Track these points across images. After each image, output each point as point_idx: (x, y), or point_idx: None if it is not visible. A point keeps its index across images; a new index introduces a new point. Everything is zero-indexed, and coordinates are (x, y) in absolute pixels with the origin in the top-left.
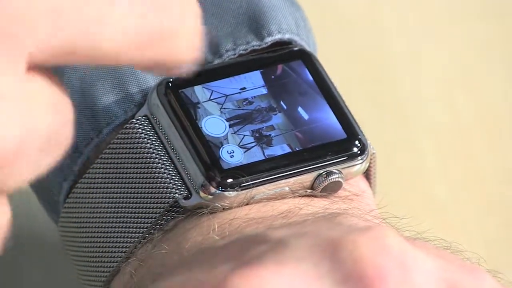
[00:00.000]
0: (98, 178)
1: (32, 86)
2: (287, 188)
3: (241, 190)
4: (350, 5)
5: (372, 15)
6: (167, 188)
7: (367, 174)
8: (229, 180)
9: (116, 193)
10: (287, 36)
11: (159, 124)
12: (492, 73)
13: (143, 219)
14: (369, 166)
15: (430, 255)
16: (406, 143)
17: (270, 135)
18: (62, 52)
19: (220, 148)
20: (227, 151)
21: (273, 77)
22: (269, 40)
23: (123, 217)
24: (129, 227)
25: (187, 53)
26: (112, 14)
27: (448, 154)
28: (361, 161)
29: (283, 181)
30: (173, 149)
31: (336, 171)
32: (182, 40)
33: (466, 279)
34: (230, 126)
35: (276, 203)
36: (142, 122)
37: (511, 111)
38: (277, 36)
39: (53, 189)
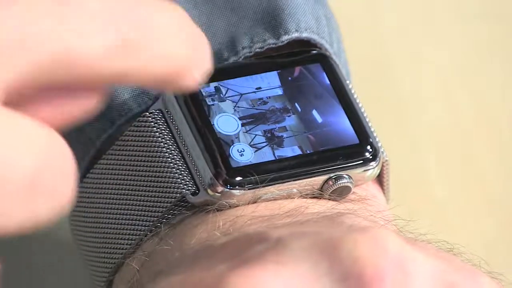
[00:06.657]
0: (108, 168)
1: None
2: (295, 190)
3: (249, 189)
4: (350, 5)
5: (372, 15)
6: (175, 183)
7: (379, 180)
8: (237, 179)
9: (126, 184)
10: (304, 35)
11: (172, 119)
12: (492, 73)
13: (150, 212)
14: (381, 172)
15: (430, 256)
16: (406, 143)
17: (282, 136)
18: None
19: (230, 146)
20: (238, 150)
21: (290, 78)
22: (285, 38)
23: (131, 209)
24: (136, 219)
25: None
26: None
27: (448, 154)
28: (372, 166)
29: (291, 182)
30: (184, 144)
31: (346, 176)
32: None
33: (464, 282)
34: (243, 125)
35: (283, 201)
36: (155, 116)
37: (510, 111)
38: (294, 35)
39: None
